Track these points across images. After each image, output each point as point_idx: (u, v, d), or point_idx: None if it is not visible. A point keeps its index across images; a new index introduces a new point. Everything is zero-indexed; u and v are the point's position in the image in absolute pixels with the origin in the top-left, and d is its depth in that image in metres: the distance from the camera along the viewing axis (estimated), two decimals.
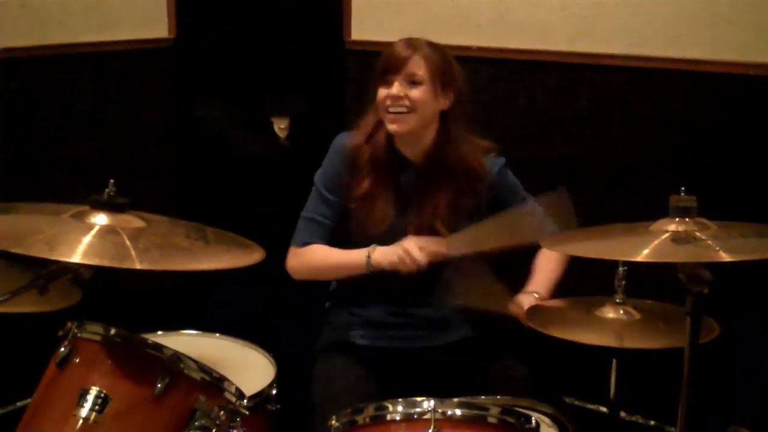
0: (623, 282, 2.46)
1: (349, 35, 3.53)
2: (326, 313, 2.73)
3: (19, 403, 2.91)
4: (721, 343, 2.31)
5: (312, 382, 2.54)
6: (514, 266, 2.66)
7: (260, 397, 2.29)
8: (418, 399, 1.97)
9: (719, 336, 2.32)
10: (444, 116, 2.55)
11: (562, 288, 2.59)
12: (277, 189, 3.48)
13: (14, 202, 2.30)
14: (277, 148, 3.55)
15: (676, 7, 2.97)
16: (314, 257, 2.57)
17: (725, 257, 1.94)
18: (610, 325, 2.43)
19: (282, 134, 3.54)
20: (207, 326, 2.67)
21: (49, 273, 1.98)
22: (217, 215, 2.46)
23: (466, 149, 2.56)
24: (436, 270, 2.49)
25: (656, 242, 2.05)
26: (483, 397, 2.24)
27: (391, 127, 2.50)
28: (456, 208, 2.54)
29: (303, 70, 3.53)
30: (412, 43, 2.51)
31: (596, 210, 3.11)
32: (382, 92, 2.50)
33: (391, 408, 1.99)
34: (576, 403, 2.95)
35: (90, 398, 1.94)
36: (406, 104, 2.47)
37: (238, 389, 2.07)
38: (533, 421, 2.01)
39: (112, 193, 2.08)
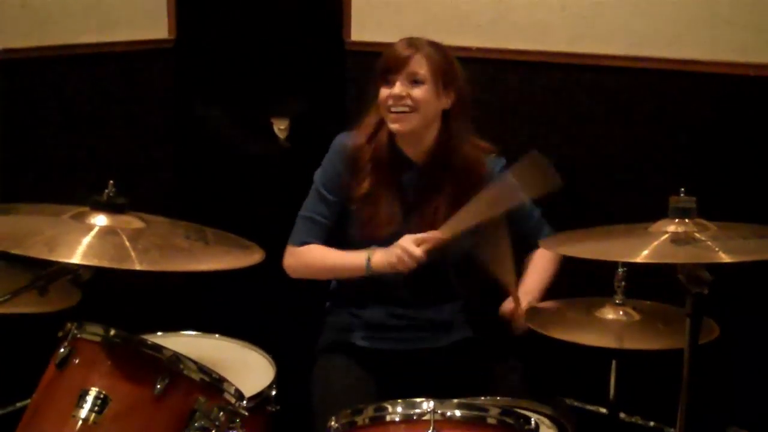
0: (623, 283, 2.46)
1: (349, 36, 3.53)
2: (326, 314, 2.73)
3: (18, 404, 2.90)
4: (721, 344, 2.30)
5: (311, 383, 2.54)
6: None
7: (260, 398, 2.29)
8: (418, 400, 1.97)
9: (719, 337, 2.32)
10: (446, 115, 2.55)
11: (561, 289, 2.59)
12: (277, 189, 3.48)
13: (14, 203, 2.31)
14: (277, 149, 3.55)
15: (676, 7, 2.97)
16: (312, 257, 2.57)
17: (725, 258, 1.94)
18: (610, 326, 2.43)
19: (282, 135, 3.54)
20: (206, 327, 2.67)
21: (49, 274, 1.98)
22: (216, 216, 2.46)
23: (468, 148, 2.56)
24: (436, 270, 2.50)
25: (656, 243, 2.05)
26: (482, 398, 2.24)
27: (394, 127, 2.50)
28: (460, 207, 2.54)
29: (303, 71, 3.53)
30: (413, 43, 2.52)
31: (596, 211, 3.13)
32: (384, 92, 2.50)
33: (390, 409, 1.99)
34: (575, 404, 2.95)
35: (89, 399, 1.94)
36: (409, 104, 2.47)
37: (237, 390, 2.07)
38: (533, 422, 2.01)
39: (111, 194, 2.08)
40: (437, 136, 2.56)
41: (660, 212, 2.17)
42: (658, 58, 3.01)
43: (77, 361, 2.01)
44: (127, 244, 1.98)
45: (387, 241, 2.49)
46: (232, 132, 3.62)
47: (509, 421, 1.98)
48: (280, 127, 3.54)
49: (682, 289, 2.01)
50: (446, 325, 2.64)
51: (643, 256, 2.01)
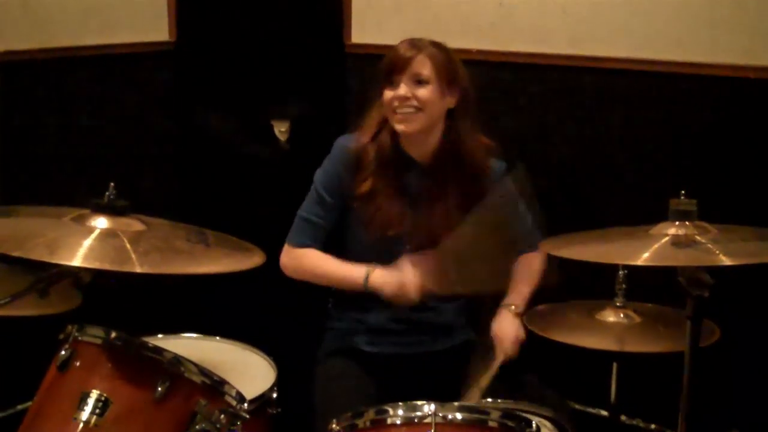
0: (623, 285, 2.46)
1: (350, 38, 3.53)
2: (328, 318, 2.73)
3: (19, 407, 2.90)
4: (722, 346, 2.31)
5: (313, 386, 2.54)
6: None
7: (261, 400, 2.29)
8: (419, 403, 1.97)
9: (719, 339, 2.32)
10: (450, 115, 2.55)
11: (562, 291, 2.58)
12: (277, 192, 3.48)
13: (15, 205, 2.31)
14: (277, 151, 3.55)
15: (676, 10, 2.97)
16: (310, 262, 2.57)
17: (725, 261, 1.94)
18: (611, 328, 2.43)
19: (282, 137, 3.54)
20: (207, 329, 2.67)
21: (50, 276, 1.98)
22: (217, 218, 2.46)
23: (473, 147, 2.56)
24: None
25: (656, 246, 2.05)
26: (483, 400, 2.24)
27: (400, 128, 2.49)
28: (465, 207, 2.54)
29: (303, 74, 3.53)
30: (415, 43, 2.51)
31: (596, 213, 3.13)
32: (389, 93, 2.50)
33: (391, 411, 1.99)
34: (576, 406, 2.95)
35: (90, 402, 1.93)
36: (414, 104, 2.47)
37: (238, 393, 2.07)
38: (534, 425, 2.01)
39: (112, 196, 2.09)
40: (442, 136, 2.56)
41: (661, 215, 2.17)
42: (658, 61, 3.01)
43: (78, 363, 2.01)
44: (128, 246, 1.98)
45: (395, 241, 2.50)
46: (233, 134, 3.62)
47: (510, 423, 1.98)
48: (281, 129, 3.54)
49: (682, 291, 2.01)
50: (447, 328, 2.64)
51: (643, 258, 2.01)
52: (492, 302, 2.60)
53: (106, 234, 2.02)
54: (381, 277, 2.45)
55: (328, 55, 3.55)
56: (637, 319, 2.46)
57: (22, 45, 3.19)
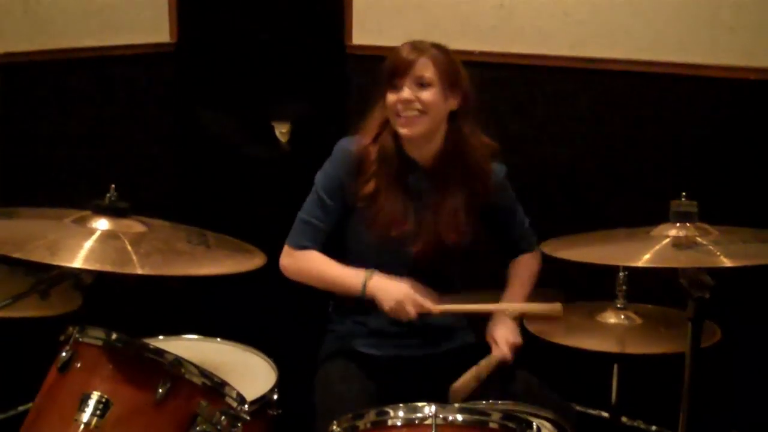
0: (624, 287, 2.46)
1: (350, 40, 3.53)
2: (329, 320, 2.73)
3: (20, 408, 2.91)
4: (723, 347, 2.31)
5: (314, 388, 2.53)
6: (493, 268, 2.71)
7: (261, 402, 2.29)
8: (419, 404, 1.97)
9: (720, 341, 2.32)
10: (452, 117, 2.55)
11: (563, 293, 2.58)
12: (278, 193, 3.48)
13: (16, 207, 2.31)
14: (278, 153, 3.55)
15: (677, 12, 2.97)
16: (311, 265, 2.57)
17: (726, 262, 1.94)
18: (612, 330, 2.43)
19: (283, 139, 3.54)
20: (208, 331, 2.67)
21: (51, 278, 1.99)
22: (218, 220, 2.46)
23: (475, 149, 2.56)
24: (439, 276, 2.51)
25: (657, 247, 2.06)
26: (484, 402, 2.24)
27: (403, 131, 2.49)
28: (469, 209, 2.54)
29: (304, 75, 3.53)
30: (417, 46, 2.51)
31: (597, 214, 3.13)
32: (392, 97, 2.50)
33: (392, 413, 1.98)
34: (578, 408, 2.95)
35: (91, 403, 1.94)
36: (418, 107, 2.47)
37: (239, 394, 2.07)
38: (534, 427, 2.01)
39: (113, 198, 2.09)
40: (444, 138, 2.56)
41: (662, 216, 2.18)
42: (659, 62, 3.01)
43: (79, 365, 2.01)
44: (129, 248, 1.98)
45: (398, 242, 2.50)
46: (234, 136, 3.62)
47: (511, 425, 1.98)
48: (282, 130, 3.54)
49: (683, 293, 2.01)
50: (448, 330, 2.64)
51: (644, 260, 2.01)
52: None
53: (107, 236, 2.03)
54: (378, 288, 2.45)
55: (328, 56, 3.55)
56: (638, 320, 2.46)
57: (22, 46, 3.19)
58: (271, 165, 3.57)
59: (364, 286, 2.47)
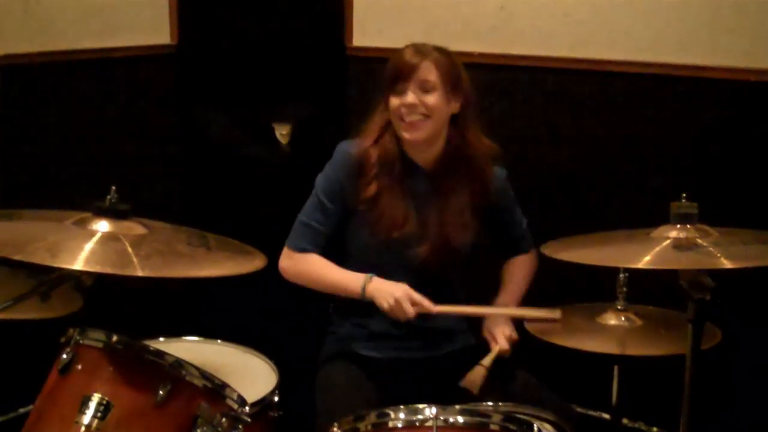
0: (625, 288, 2.46)
1: (351, 41, 3.52)
2: (329, 322, 2.72)
3: (21, 410, 2.91)
4: (723, 349, 2.30)
5: (315, 390, 2.53)
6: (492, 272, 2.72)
7: (262, 403, 2.29)
8: (420, 406, 1.97)
9: (721, 342, 2.32)
10: (453, 120, 2.55)
11: (563, 295, 2.58)
12: (279, 195, 3.48)
13: (16, 209, 2.31)
14: (278, 154, 3.55)
15: (677, 13, 2.97)
16: (311, 268, 2.56)
17: (727, 264, 1.94)
18: (612, 331, 2.43)
19: (284, 140, 3.54)
20: (209, 333, 2.67)
21: (51, 280, 1.99)
22: (219, 222, 2.46)
23: (477, 151, 2.57)
24: (439, 278, 2.51)
25: (657, 249, 2.05)
26: (485, 404, 2.24)
27: (407, 136, 2.49)
28: (471, 211, 2.55)
29: (304, 77, 3.53)
30: (420, 49, 2.51)
31: (598, 216, 3.13)
32: (395, 101, 2.49)
33: (393, 415, 1.99)
34: (578, 410, 2.95)
35: (92, 405, 1.94)
36: (422, 111, 2.47)
37: (240, 396, 2.07)
38: (535, 428, 2.01)
39: (114, 200, 2.09)
40: (446, 141, 2.56)
41: (662, 218, 2.17)
42: (659, 64, 3.01)
43: (80, 367, 2.01)
44: (130, 250, 1.99)
45: (402, 243, 2.50)
46: (234, 137, 3.62)
47: (512, 427, 1.98)
48: (282, 132, 3.54)
49: (684, 294, 2.01)
50: (449, 333, 2.64)
51: (644, 261, 2.01)
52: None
53: (108, 237, 2.03)
54: (377, 290, 2.45)
55: (329, 58, 3.55)
56: (639, 322, 2.45)
57: (22, 48, 3.20)
58: (271, 166, 3.57)
59: (364, 288, 2.47)
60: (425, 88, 2.46)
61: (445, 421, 1.95)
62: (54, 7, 3.27)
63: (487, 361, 2.42)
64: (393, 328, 2.55)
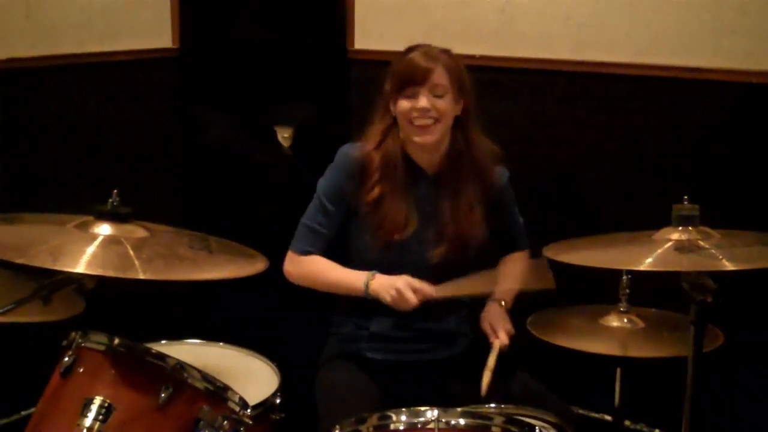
0: (627, 291, 2.46)
1: (353, 44, 3.53)
2: (331, 324, 2.73)
3: (23, 413, 2.91)
4: (725, 351, 2.30)
5: (316, 391, 2.54)
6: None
7: (264, 406, 2.28)
8: (422, 408, 1.97)
9: (723, 344, 2.32)
10: (457, 121, 2.56)
11: (566, 296, 2.58)
12: (280, 198, 3.48)
13: (18, 213, 2.31)
14: (280, 157, 3.55)
15: (679, 16, 2.97)
16: (314, 269, 2.57)
17: (729, 266, 1.94)
18: (615, 333, 2.43)
19: (286, 143, 3.54)
20: (210, 335, 2.67)
21: (53, 283, 1.99)
22: (220, 224, 2.46)
23: (480, 153, 2.57)
24: (441, 280, 2.51)
25: (660, 251, 2.05)
26: (486, 406, 2.24)
27: (418, 139, 2.49)
28: (474, 213, 2.55)
29: (306, 80, 3.53)
30: (430, 54, 2.51)
31: (600, 218, 3.13)
32: (406, 104, 2.49)
33: (394, 417, 1.99)
34: (581, 411, 2.95)
35: (94, 408, 1.94)
36: (434, 115, 2.47)
37: (241, 398, 2.07)
38: (537, 430, 2.01)
39: (115, 203, 2.09)
40: (450, 143, 2.56)
41: (664, 220, 2.17)
42: (661, 66, 3.01)
43: (81, 370, 2.01)
44: (131, 253, 1.99)
45: (405, 246, 2.51)
46: (236, 140, 3.62)
47: (513, 429, 1.97)
48: (284, 135, 3.55)
49: (686, 296, 2.01)
50: (451, 335, 2.64)
51: (647, 263, 2.01)
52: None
53: (110, 241, 2.03)
54: (380, 285, 2.46)
55: (330, 61, 3.55)
56: (641, 324, 2.46)
57: (25, 52, 3.20)
58: (273, 169, 3.57)
59: (367, 285, 2.47)
60: (437, 93, 2.47)
61: (447, 423, 1.95)
62: (56, 11, 3.27)
63: (491, 362, 2.41)
64: (395, 330, 2.55)
